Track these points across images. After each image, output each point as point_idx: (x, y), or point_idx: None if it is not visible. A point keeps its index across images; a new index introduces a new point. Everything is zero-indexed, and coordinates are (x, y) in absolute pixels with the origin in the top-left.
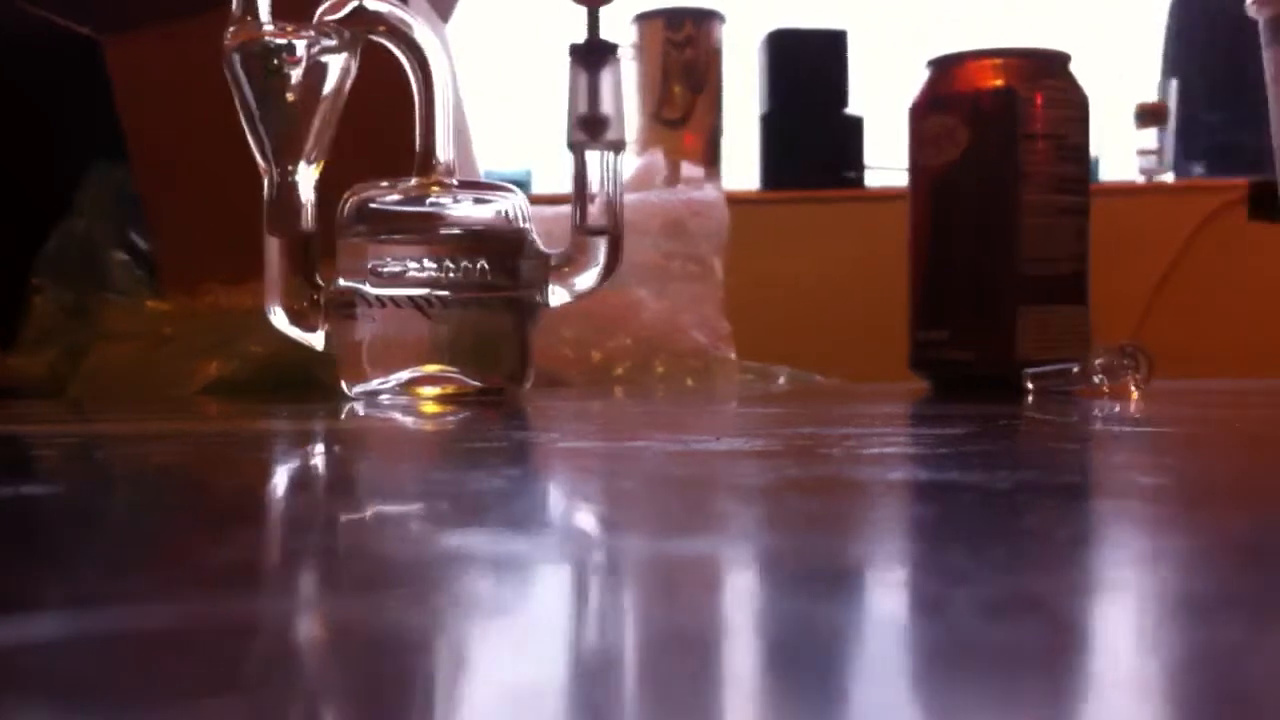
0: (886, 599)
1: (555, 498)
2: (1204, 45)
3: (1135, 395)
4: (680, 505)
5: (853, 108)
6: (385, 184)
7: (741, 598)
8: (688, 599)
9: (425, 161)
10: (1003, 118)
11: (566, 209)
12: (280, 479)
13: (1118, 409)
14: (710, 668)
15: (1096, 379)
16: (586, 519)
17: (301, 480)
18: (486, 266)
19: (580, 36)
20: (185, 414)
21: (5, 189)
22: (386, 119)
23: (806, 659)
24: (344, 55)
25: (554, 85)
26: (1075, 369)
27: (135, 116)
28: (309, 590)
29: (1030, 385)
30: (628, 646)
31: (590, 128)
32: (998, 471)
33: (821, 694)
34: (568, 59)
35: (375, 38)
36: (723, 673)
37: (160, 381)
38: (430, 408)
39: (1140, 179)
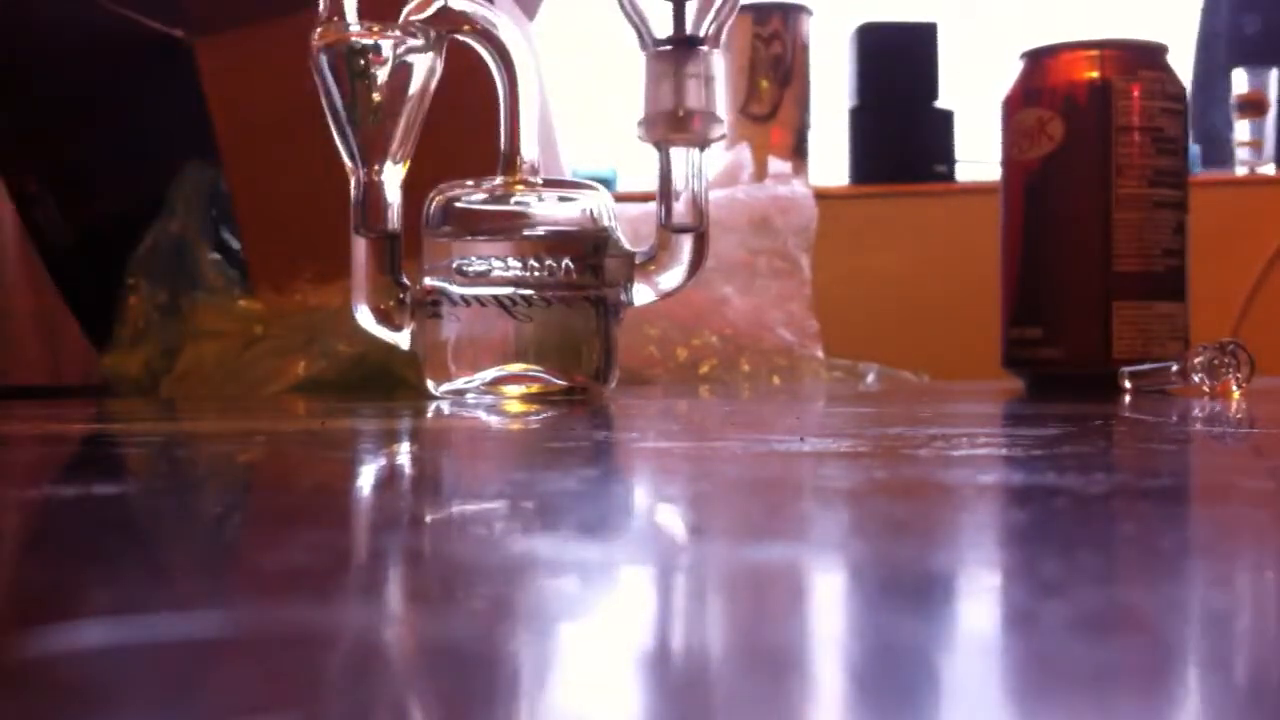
0: (974, 611)
1: (632, 500)
2: None
3: (1237, 394)
4: (761, 509)
5: (943, 101)
6: (470, 183)
7: (821, 608)
8: (766, 609)
9: (510, 160)
10: (1098, 110)
11: (652, 207)
12: (358, 479)
13: (1219, 409)
14: (789, 682)
15: (1196, 378)
16: (663, 523)
17: (378, 481)
18: (571, 265)
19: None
20: (272, 412)
21: (100, 190)
22: (472, 118)
23: (888, 675)
24: (430, 55)
25: (639, 82)
26: (1174, 367)
27: (225, 117)
28: (374, 596)
29: (1128, 384)
30: (704, 658)
31: (675, 124)
32: (1093, 475)
33: (904, 713)
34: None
35: (461, 37)
36: (802, 687)
37: (250, 380)
38: (514, 407)
39: (1240, 171)
